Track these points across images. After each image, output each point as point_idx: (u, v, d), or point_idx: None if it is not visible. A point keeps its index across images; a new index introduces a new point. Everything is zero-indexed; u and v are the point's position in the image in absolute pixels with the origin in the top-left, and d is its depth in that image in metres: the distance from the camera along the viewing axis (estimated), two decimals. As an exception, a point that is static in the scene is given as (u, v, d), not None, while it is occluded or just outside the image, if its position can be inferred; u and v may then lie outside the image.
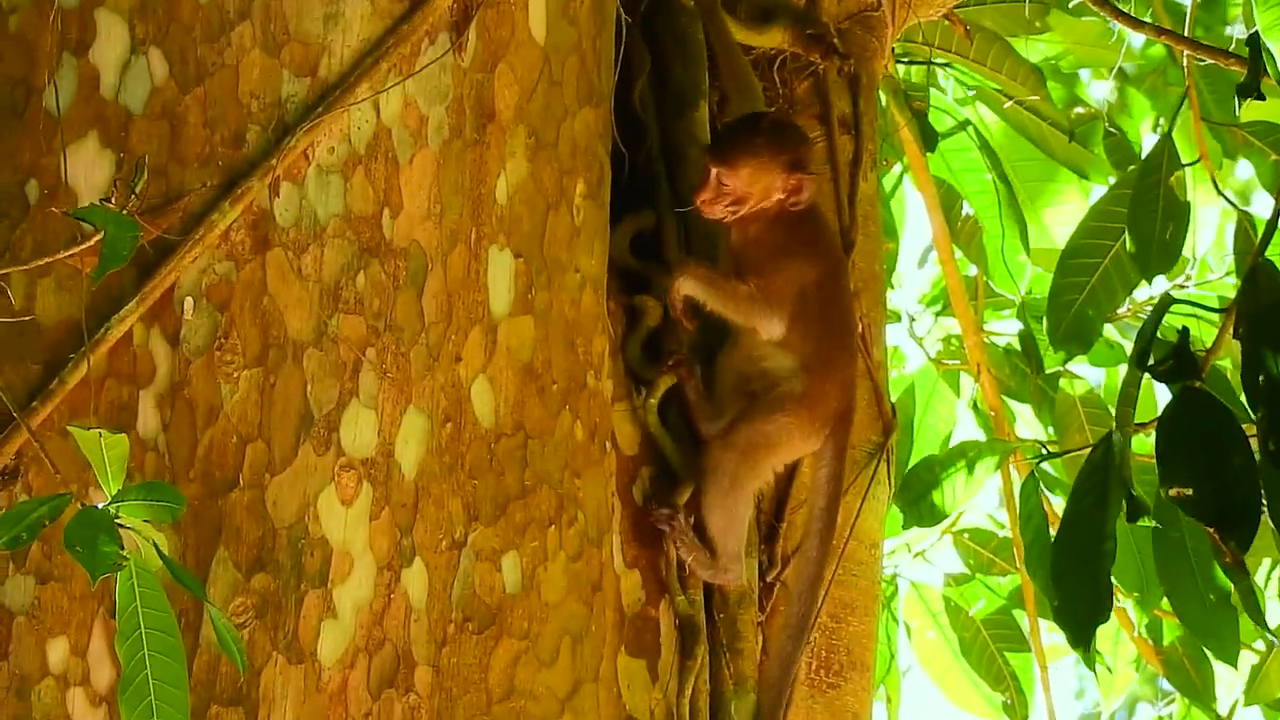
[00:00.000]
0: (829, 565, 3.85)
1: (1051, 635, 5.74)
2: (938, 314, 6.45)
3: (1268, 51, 4.26)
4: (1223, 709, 6.04)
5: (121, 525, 2.84)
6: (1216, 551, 3.87)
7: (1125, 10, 5.30)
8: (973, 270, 6.15)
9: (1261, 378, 3.82)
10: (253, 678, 3.24)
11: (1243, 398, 3.93)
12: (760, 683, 3.77)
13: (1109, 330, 5.90)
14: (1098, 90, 6.50)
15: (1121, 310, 5.73)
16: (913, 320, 6.49)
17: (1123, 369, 5.75)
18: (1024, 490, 4.73)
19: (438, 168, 3.49)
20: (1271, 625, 5.78)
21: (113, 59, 3.39)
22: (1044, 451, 5.48)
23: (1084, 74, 6.34)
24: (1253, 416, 3.83)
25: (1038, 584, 4.68)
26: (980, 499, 6.21)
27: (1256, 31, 4.28)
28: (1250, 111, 5.48)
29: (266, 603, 3.26)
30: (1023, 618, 5.97)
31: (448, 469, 3.41)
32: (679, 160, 4.02)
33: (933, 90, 5.73)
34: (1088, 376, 5.94)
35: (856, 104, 4.34)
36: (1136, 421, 4.07)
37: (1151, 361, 3.98)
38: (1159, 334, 4.04)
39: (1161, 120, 6.34)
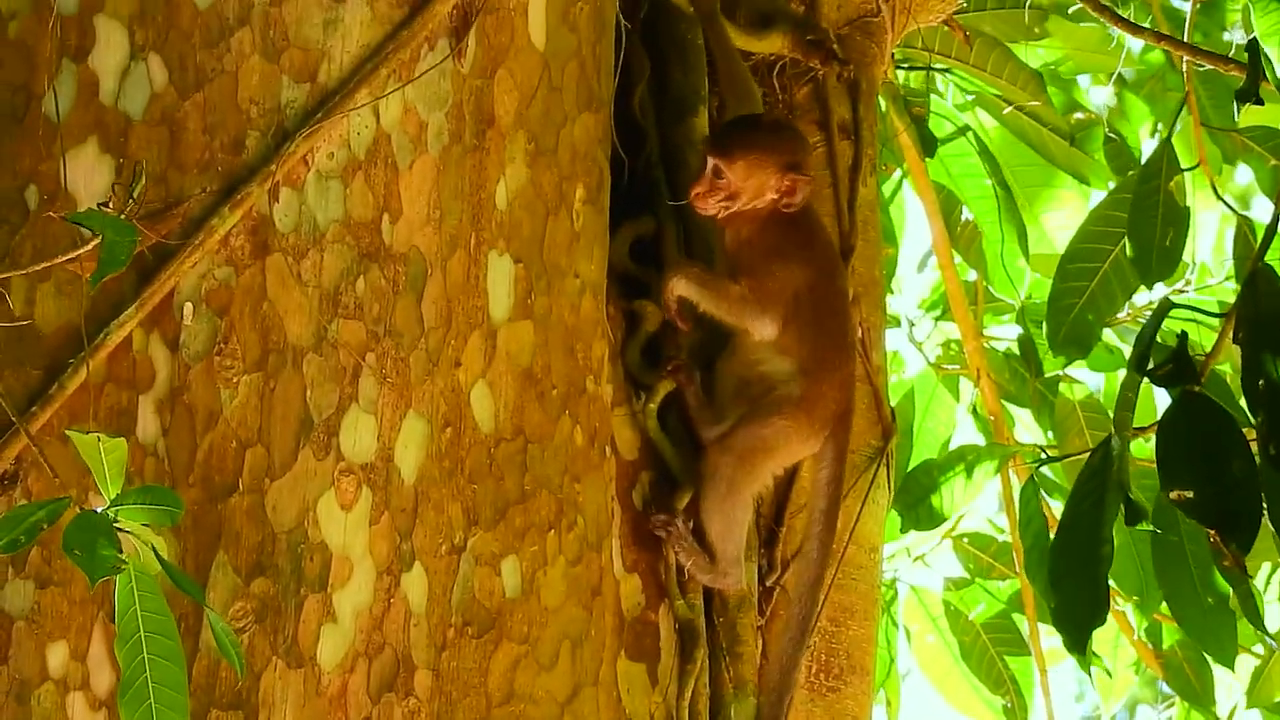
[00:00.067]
0: (829, 568, 3.85)
1: (1051, 639, 5.74)
2: (937, 319, 6.46)
3: (1266, 57, 4.26)
4: (1222, 712, 6.04)
5: (120, 529, 2.84)
6: (1216, 555, 3.87)
7: (1124, 16, 5.30)
8: (972, 275, 6.15)
9: (1261, 382, 3.83)
10: (252, 682, 3.24)
11: (1242, 402, 3.93)
12: (760, 686, 3.77)
13: (1108, 335, 5.90)
14: (1097, 96, 6.51)
15: (1121, 315, 5.73)
16: (912, 325, 6.50)
17: (1122, 374, 5.75)
18: (1023, 494, 4.73)
19: (437, 173, 3.49)
20: (1271, 629, 5.79)
21: (112, 65, 3.40)
22: (1043, 456, 5.48)
23: (1083, 80, 6.34)
24: (1253, 421, 3.84)
25: (1038, 588, 4.68)
26: (980, 503, 6.22)
27: (1255, 37, 4.29)
28: (1249, 116, 5.49)
29: (266, 607, 3.26)
30: (1022, 622, 5.97)
31: (447, 474, 3.41)
32: (678, 166, 4.02)
33: (932, 96, 5.73)
34: (1087, 381, 5.95)
35: (856, 109, 4.34)
36: (1135, 426, 4.08)
37: (1151, 366, 3.99)
38: (1158, 339, 4.04)
39: (1160, 125, 6.35)
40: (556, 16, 3.67)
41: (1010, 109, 5.69)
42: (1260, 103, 4.21)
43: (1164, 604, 4.62)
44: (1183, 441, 3.87)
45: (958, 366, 6.28)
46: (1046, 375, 5.83)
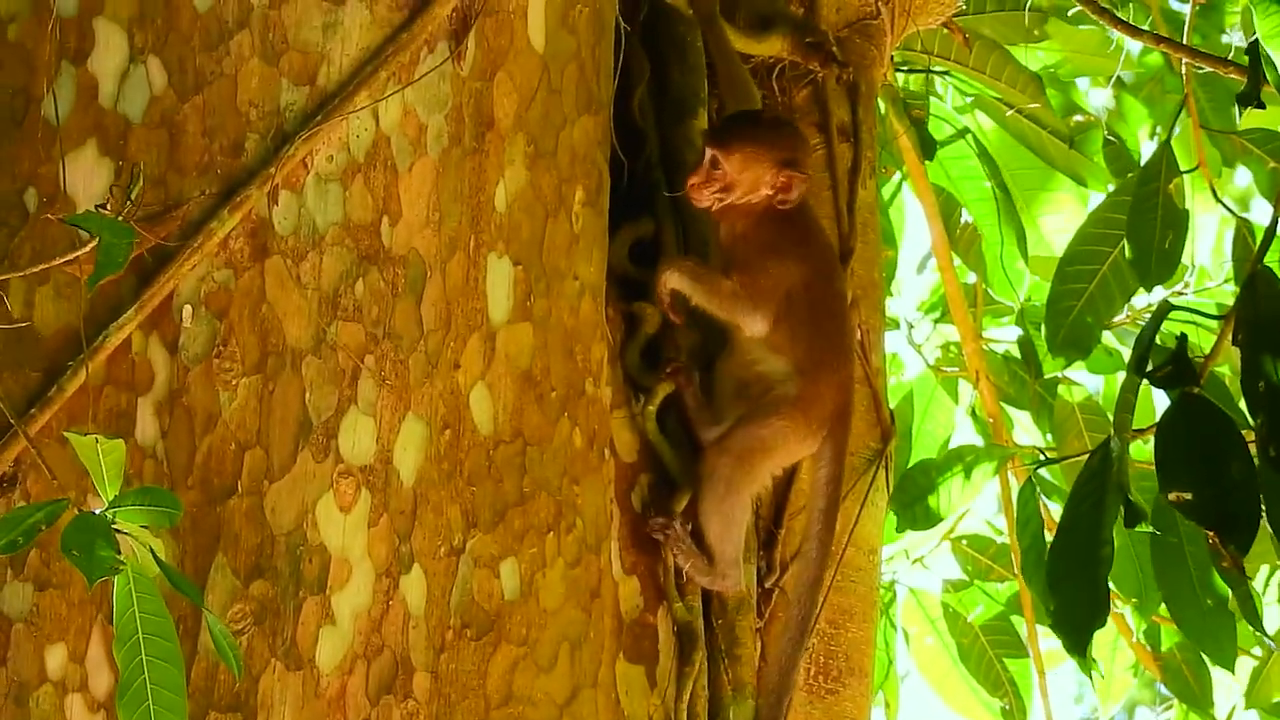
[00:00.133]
0: (829, 568, 3.85)
1: (1049, 641, 5.74)
2: (936, 321, 6.46)
3: (1267, 58, 4.26)
4: (1220, 713, 6.04)
5: (119, 531, 2.85)
6: (1215, 557, 3.87)
7: (1123, 18, 5.31)
8: (971, 277, 6.16)
9: (1261, 384, 3.83)
10: (251, 684, 3.24)
11: (1242, 404, 3.94)
12: (759, 687, 3.77)
13: (1107, 337, 5.91)
14: (1096, 98, 6.51)
15: (1120, 317, 5.73)
16: (911, 327, 6.50)
17: (1121, 376, 5.76)
18: (1021, 495, 4.73)
19: (437, 176, 3.49)
20: (1270, 630, 5.79)
21: (111, 68, 3.40)
22: (1042, 457, 5.48)
23: (1081, 82, 6.34)
24: (1252, 423, 3.84)
25: (1034, 589, 4.68)
26: (979, 506, 6.22)
27: (1256, 39, 4.28)
28: (1248, 119, 5.50)
29: (265, 609, 3.26)
30: (1021, 624, 5.97)
31: (446, 476, 3.41)
32: (678, 168, 4.02)
33: (931, 98, 5.74)
34: (1086, 383, 5.95)
35: (855, 112, 4.34)
36: (1135, 428, 4.08)
37: (1150, 368, 3.99)
38: (1158, 341, 4.05)
39: (1159, 128, 6.35)
40: (556, 19, 3.68)
41: (1010, 112, 5.70)
42: (1262, 106, 4.21)
43: (1162, 606, 4.63)
44: (1182, 443, 3.87)
45: (957, 369, 6.28)
46: (1045, 377, 5.83)
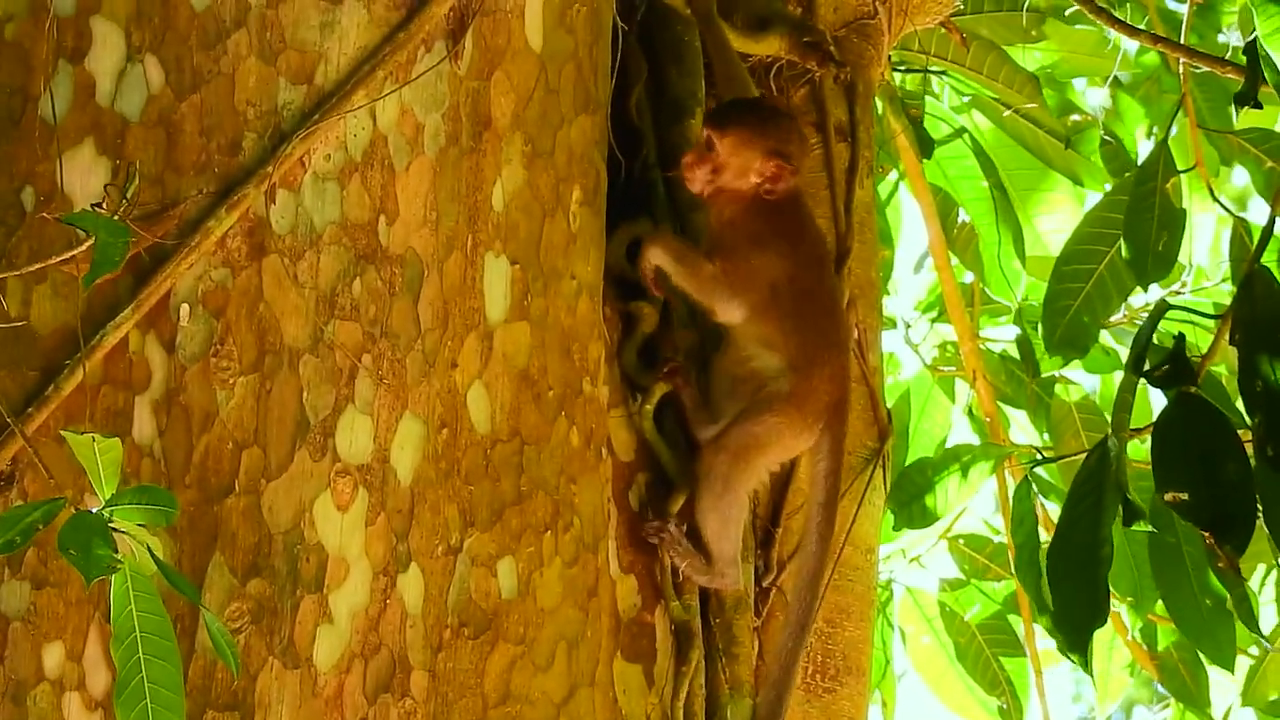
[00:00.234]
0: (829, 562, 3.84)
1: (1046, 640, 5.74)
2: (933, 320, 6.46)
3: (1265, 57, 4.26)
4: (1217, 712, 6.05)
5: (116, 530, 2.85)
6: (1211, 557, 3.87)
7: (1120, 18, 5.31)
8: (968, 277, 6.16)
9: (1258, 384, 3.83)
10: (248, 683, 3.24)
11: (1238, 404, 3.94)
12: (760, 682, 3.77)
13: (1104, 336, 5.91)
14: (1092, 98, 6.51)
15: (1117, 316, 5.74)
16: (908, 326, 6.50)
17: (1118, 375, 5.76)
18: (1017, 494, 4.74)
19: (434, 175, 3.49)
20: (1267, 629, 5.79)
21: (109, 67, 3.40)
22: (1039, 456, 5.48)
23: (1078, 82, 6.35)
24: (1249, 422, 3.84)
25: (1026, 587, 4.68)
26: (976, 505, 6.22)
27: (1255, 39, 4.28)
28: (1246, 118, 5.50)
29: (262, 608, 3.27)
30: (1018, 623, 5.97)
31: (444, 475, 3.42)
32: (675, 168, 4.02)
33: (928, 98, 5.74)
34: (1083, 383, 5.95)
35: (853, 111, 4.34)
36: (1132, 427, 4.08)
37: (1147, 367, 3.99)
38: (1155, 340, 4.05)
39: (1156, 128, 6.35)
40: (553, 19, 3.68)
41: (1007, 112, 5.70)
42: (1259, 106, 4.21)
43: (1159, 604, 4.63)
44: (1179, 443, 3.87)
45: (954, 368, 6.28)
46: (1042, 376, 5.83)
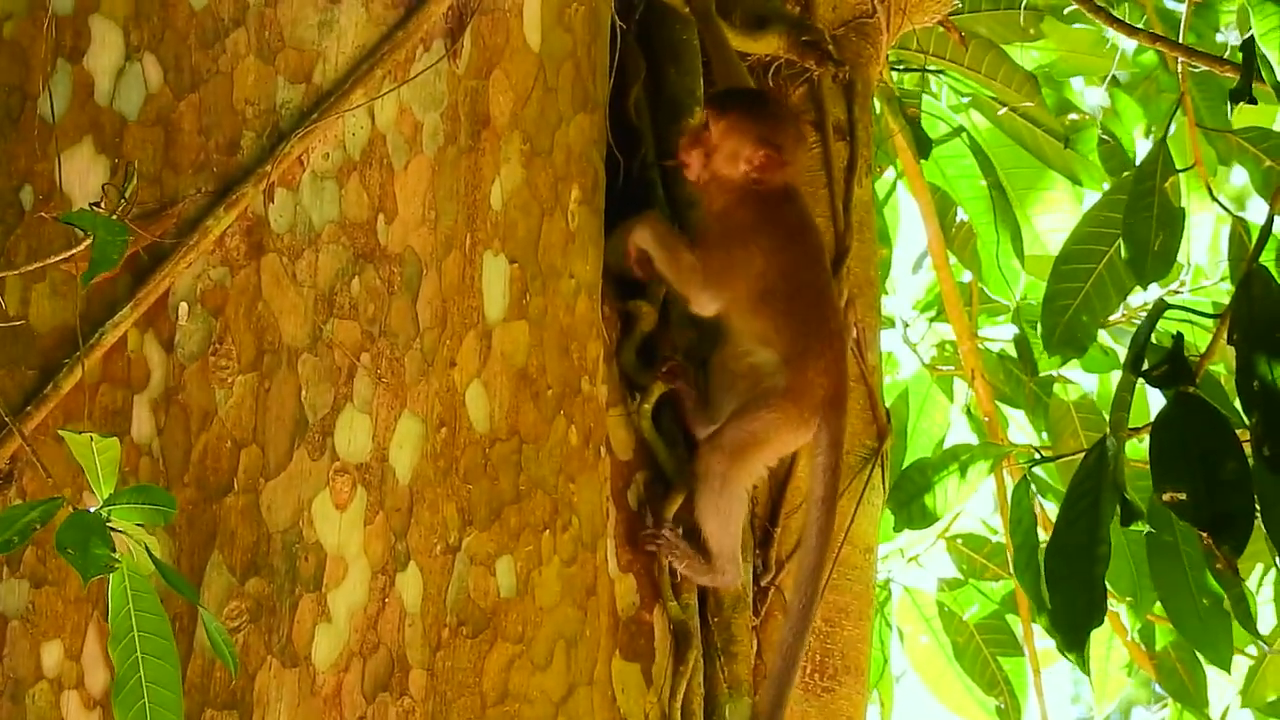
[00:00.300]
0: (829, 557, 3.83)
1: (1045, 640, 5.74)
2: (932, 319, 6.46)
3: (1262, 56, 4.26)
4: (1215, 713, 6.05)
5: (113, 529, 2.85)
6: (1209, 558, 3.88)
7: (1119, 17, 5.31)
8: (967, 276, 6.16)
9: (1256, 383, 3.83)
10: (247, 681, 3.24)
11: (1236, 403, 3.94)
12: (761, 678, 3.77)
13: (1103, 336, 5.91)
14: (1090, 97, 6.52)
15: (1116, 316, 5.74)
16: (907, 326, 6.50)
17: (1116, 375, 5.77)
18: (1015, 493, 4.74)
19: (432, 174, 3.49)
20: (1266, 629, 5.79)
21: (107, 65, 3.40)
22: (1037, 456, 5.48)
23: (1075, 81, 6.35)
24: (1247, 422, 3.84)
25: (1024, 587, 4.68)
26: (974, 505, 6.22)
27: (1251, 36, 4.28)
28: (1243, 117, 5.50)
29: (261, 607, 3.27)
30: (1016, 622, 5.97)
31: (442, 474, 3.42)
32: (674, 167, 4.02)
33: (927, 97, 5.74)
34: (1081, 382, 5.95)
35: (851, 110, 4.34)
36: (1130, 427, 4.08)
37: (1146, 367, 3.99)
38: (1153, 339, 4.05)
39: (1154, 127, 6.36)
40: (552, 17, 3.68)
41: (1005, 110, 5.70)
42: (1253, 101, 4.21)
43: (1157, 605, 4.63)
44: (1177, 443, 3.87)
45: (952, 367, 6.28)
46: (1041, 376, 5.83)
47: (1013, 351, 6.01)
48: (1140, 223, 4.68)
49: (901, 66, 5.71)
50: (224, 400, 3.32)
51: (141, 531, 2.89)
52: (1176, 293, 6.00)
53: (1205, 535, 3.79)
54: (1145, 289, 5.02)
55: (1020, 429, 6.26)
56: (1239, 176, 6.85)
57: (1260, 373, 3.84)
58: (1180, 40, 5.48)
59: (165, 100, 3.39)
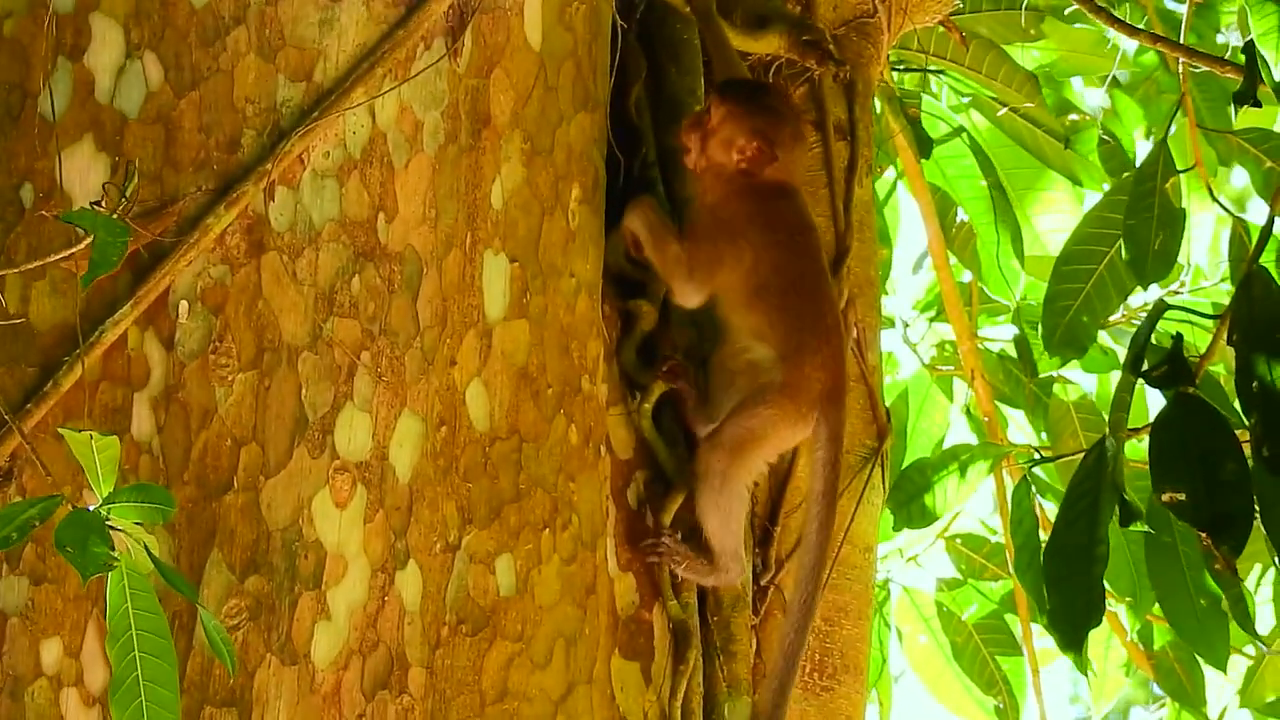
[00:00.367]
0: (830, 552, 3.83)
1: (1044, 640, 5.74)
2: (932, 320, 6.46)
3: (1263, 59, 4.26)
4: (1213, 712, 6.05)
5: (113, 527, 2.85)
6: (1207, 558, 3.88)
7: (1120, 17, 5.31)
8: (967, 276, 6.16)
9: (1255, 384, 3.83)
10: (246, 679, 3.24)
11: (1236, 404, 3.94)
12: (762, 674, 3.77)
13: (1103, 336, 5.91)
14: (1090, 97, 6.52)
15: (1116, 316, 5.74)
16: (907, 326, 6.50)
17: (1116, 375, 5.77)
18: (1016, 494, 4.74)
19: (433, 172, 3.49)
20: (1265, 630, 5.80)
21: (108, 63, 3.40)
22: (1037, 456, 5.48)
23: (1075, 81, 6.35)
24: (1246, 423, 3.85)
25: (1026, 587, 4.68)
26: (973, 505, 6.22)
27: (1253, 39, 4.28)
28: (1244, 118, 5.50)
29: (260, 605, 3.27)
30: (1015, 622, 5.97)
31: (442, 472, 3.42)
32: (674, 166, 4.02)
33: (927, 97, 5.74)
34: (1081, 382, 5.95)
35: (852, 110, 4.34)
36: (1130, 427, 4.08)
37: (1145, 367, 3.99)
38: (1153, 340, 4.05)
39: (1154, 128, 6.36)
40: (553, 16, 3.68)
41: (1006, 111, 5.70)
42: (1258, 105, 4.21)
43: (1156, 605, 4.63)
44: (1176, 443, 3.88)
45: (952, 367, 6.28)
46: (1040, 376, 5.83)
47: (1012, 352, 6.01)
48: (1141, 223, 4.68)
49: (902, 66, 5.71)
50: (224, 398, 3.32)
51: (141, 530, 2.89)
52: (1176, 293, 6.00)
53: (1204, 536, 3.79)
54: (1145, 289, 5.03)
55: (1020, 429, 6.26)
56: (1239, 177, 6.85)
57: (1260, 373, 3.84)
58: (1181, 41, 5.48)
59: (166, 98, 3.39)
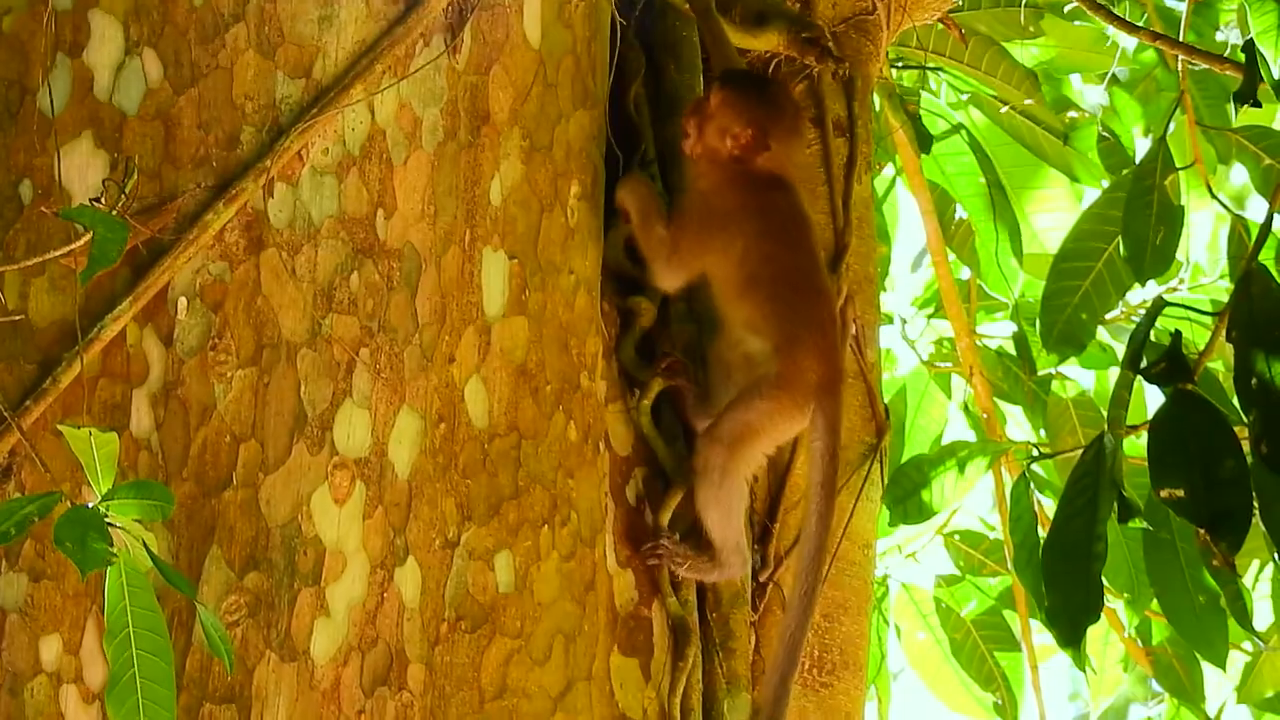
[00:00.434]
0: (830, 543, 3.82)
1: (1042, 636, 5.75)
2: (930, 316, 6.46)
3: (1262, 57, 4.27)
4: (1211, 709, 6.05)
5: (112, 524, 2.85)
6: (1205, 555, 3.88)
7: (1119, 15, 5.31)
8: (966, 273, 6.16)
9: (1254, 381, 3.84)
10: (245, 676, 3.24)
11: (1235, 401, 3.94)
12: (762, 668, 3.77)
13: (1101, 333, 5.91)
14: (1089, 94, 6.52)
15: (1114, 313, 5.74)
16: (905, 323, 6.50)
17: (1114, 372, 5.77)
18: (1015, 490, 4.74)
19: (432, 169, 3.49)
20: (1263, 626, 5.80)
21: (107, 60, 3.40)
22: (1035, 453, 5.49)
23: (1074, 78, 6.35)
24: (1245, 419, 3.85)
25: (1025, 584, 4.68)
26: (972, 501, 6.22)
27: (1252, 38, 4.28)
28: (1243, 116, 5.50)
29: (259, 601, 3.27)
30: (1013, 618, 5.97)
31: (441, 469, 3.42)
32: (674, 163, 4.02)
33: (925, 94, 5.74)
34: (1080, 379, 5.95)
35: (851, 107, 4.34)
36: (1128, 424, 4.09)
37: (1144, 364, 4.00)
38: (1152, 337, 4.05)
39: (1153, 125, 6.36)
40: (552, 13, 3.68)
41: (1005, 108, 5.70)
42: (1258, 104, 4.21)
43: (1154, 601, 4.63)
44: (1175, 440, 3.88)
45: (950, 364, 6.28)
46: (1039, 373, 5.83)
47: (1011, 348, 6.02)
48: (1139, 220, 4.68)
49: (901, 63, 5.71)
50: (223, 395, 3.32)
51: (140, 526, 2.89)
52: (1175, 290, 6.00)
53: (1202, 532, 3.79)
54: (1144, 286, 5.02)
55: (1018, 426, 6.26)
56: (1238, 175, 6.85)
57: (1259, 370, 3.84)
58: (1180, 38, 5.48)
59: (165, 95, 3.39)
